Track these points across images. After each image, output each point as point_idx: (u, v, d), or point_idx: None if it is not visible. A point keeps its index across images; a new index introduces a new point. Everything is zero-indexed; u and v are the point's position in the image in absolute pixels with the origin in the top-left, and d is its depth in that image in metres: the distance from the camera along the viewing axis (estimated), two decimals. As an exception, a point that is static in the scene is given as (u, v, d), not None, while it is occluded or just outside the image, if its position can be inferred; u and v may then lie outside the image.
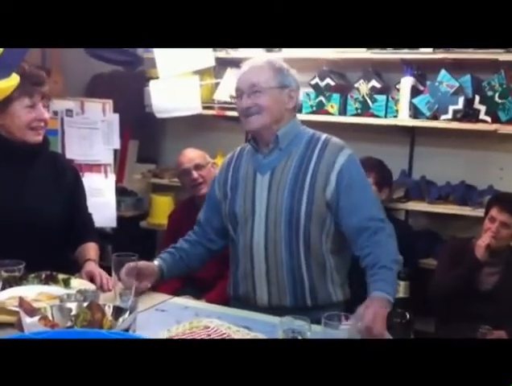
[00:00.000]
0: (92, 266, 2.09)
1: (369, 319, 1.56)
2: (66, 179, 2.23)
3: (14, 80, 1.91)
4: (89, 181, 3.24)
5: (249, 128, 2.01)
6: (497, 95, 2.87)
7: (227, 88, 3.48)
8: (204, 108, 3.53)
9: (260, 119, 1.95)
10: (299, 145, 1.98)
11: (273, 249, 1.93)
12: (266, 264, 1.95)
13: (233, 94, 2.06)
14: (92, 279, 2.03)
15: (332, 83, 3.27)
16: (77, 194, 2.28)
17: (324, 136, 2.01)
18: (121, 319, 1.48)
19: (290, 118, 2.01)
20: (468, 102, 2.96)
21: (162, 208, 3.65)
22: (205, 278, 2.63)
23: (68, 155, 3.30)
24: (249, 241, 1.97)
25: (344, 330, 1.48)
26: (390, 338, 1.53)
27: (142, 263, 1.92)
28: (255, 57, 2.08)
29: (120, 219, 3.52)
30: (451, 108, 2.95)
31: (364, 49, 3.12)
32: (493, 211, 2.63)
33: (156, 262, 2.01)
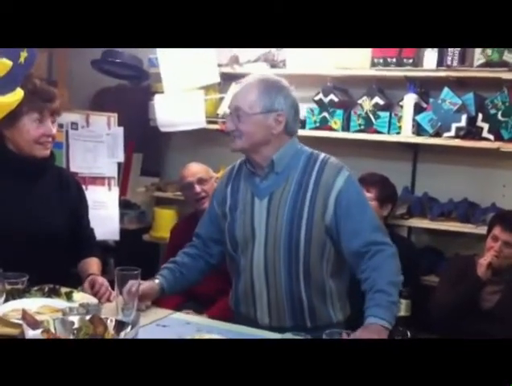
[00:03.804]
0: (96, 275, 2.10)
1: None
2: (70, 194, 2.24)
3: (18, 94, 1.93)
4: (93, 194, 3.26)
5: (231, 149, 1.98)
6: (499, 113, 2.88)
7: (231, 103, 3.51)
8: (209, 122, 3.54)
9: (240, 143, 1.92)
10: (296, 168, 1.93)
11: (272, 274, 1.92)
12: (266, 288, 1.94)
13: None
14: (93, 286, 2.03)
15: (336, 99, 3.29)
16: (80, 208, 2.29)
17: (321, 156, 1.96)
18: (122, 333, 1.48)
19: (284, 141, 1.94)
20: (471, 120, 2.97)
21: (165, 222, 3.65)
22: (207, 293, 2.63)
23: (72, 168, 3.32)
24: (249, 264, 1.96)
25: None
26: None
27: (145, 285, 1.92)
28: (250, 75, 2.01)
29: (123, 232, 3.52)
30: (454, 126, 2.96)
31: (367, 66, 3.15)
32: (496, 230, 2.63)
33: (157, 280, 2.00)
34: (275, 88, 1.92)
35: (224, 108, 3.53)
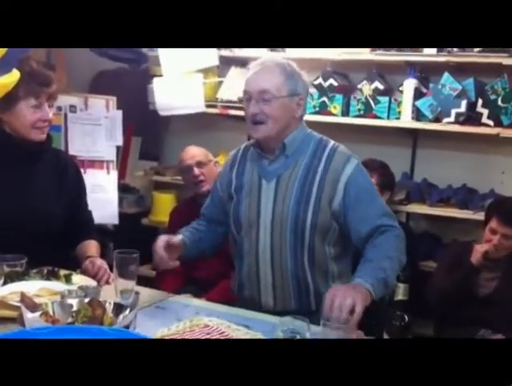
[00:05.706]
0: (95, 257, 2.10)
1: (330, 296, 1.56)
2: (68, 176, 2.23)
3: (14, 75, 1.92)
4: (91, 177, 3.25)
5: (254, 136, 1.94)
6: (499, 99, 2.88)
7: (230, 86, 3.49)
8: (208, 106, 3.53)
9: (265, 129, 1.89)
10: (305, 153, 1.94)
11: (278, 256, 1.93)
12: (271, 271, 1.95)
13: (241, 95, 2.01)
14: (92, 268, 2.03)
15: (336, 83, 3.28)
16: (79, 191, 2.29)
17: (330, 144, 1.97)
18: (121, 316, 1.48)
19: (297, 124, 1.95)
20: (471, 105, 2.97)
21: (164, 206, 3.65)
22: (206, 277, 2.64)
23: (71, 151, 3.30)
24: (254, 247, 1.96)
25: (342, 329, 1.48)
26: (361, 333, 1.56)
27: (174, 238, 1.94)
28: (265, 57, 2.00)
29: (122, 216, 3.51)
30: (453, 112, 2.96)
31: (368, 50, 3.13)
32: (493, 223, 2.60)
33: (180, 236, 2.00)
34: (296, 72, 1.93)
35: (223, 93, 3.53)
